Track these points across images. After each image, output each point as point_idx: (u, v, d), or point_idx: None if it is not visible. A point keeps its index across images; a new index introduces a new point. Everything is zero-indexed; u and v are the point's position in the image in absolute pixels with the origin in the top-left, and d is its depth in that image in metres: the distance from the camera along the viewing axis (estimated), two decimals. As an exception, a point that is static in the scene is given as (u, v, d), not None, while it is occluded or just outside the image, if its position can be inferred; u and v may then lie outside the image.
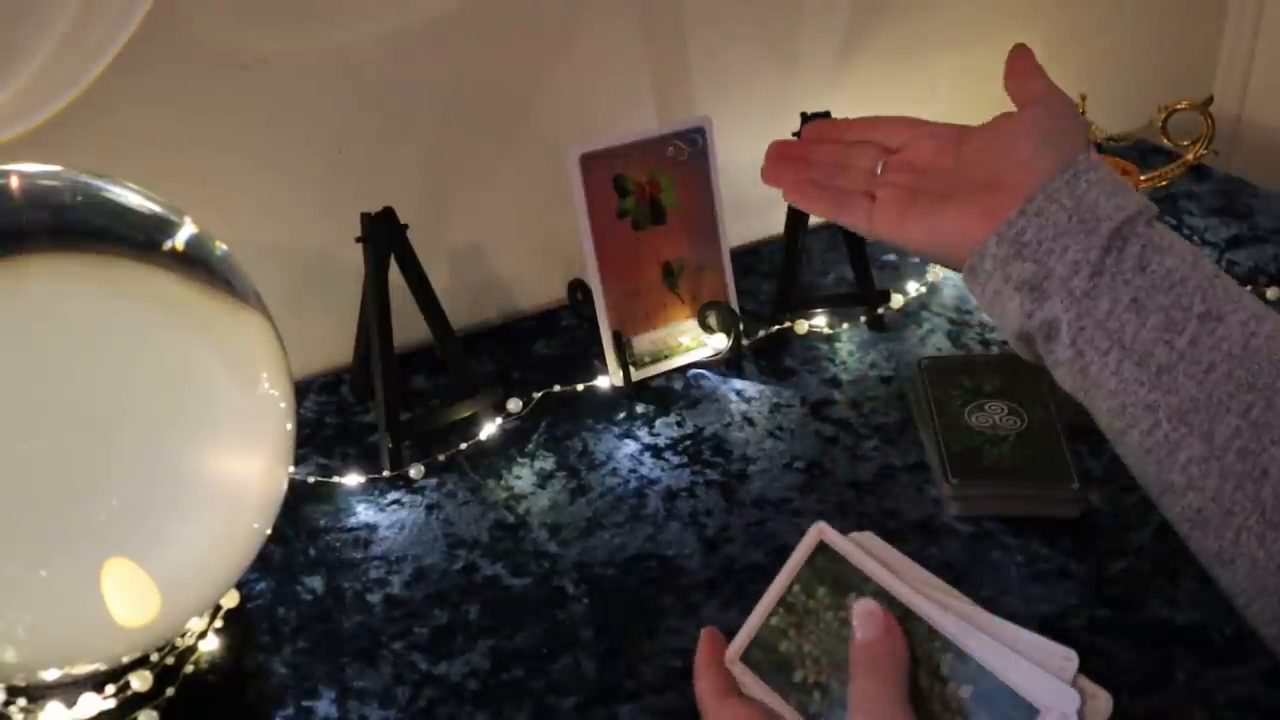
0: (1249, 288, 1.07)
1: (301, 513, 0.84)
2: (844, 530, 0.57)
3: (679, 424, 0.92)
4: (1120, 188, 0.57)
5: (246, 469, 0.64)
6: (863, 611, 0.53)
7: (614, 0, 1.01)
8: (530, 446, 0.90)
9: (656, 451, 0.89)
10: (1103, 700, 0.49)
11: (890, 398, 0.94)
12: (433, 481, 0.87)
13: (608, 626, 0.74)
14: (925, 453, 0.87)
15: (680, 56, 1.07)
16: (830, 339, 1.01)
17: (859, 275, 1.02)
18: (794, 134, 0.99)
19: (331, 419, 0.94)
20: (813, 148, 0.70)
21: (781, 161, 0.69)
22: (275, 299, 0.70)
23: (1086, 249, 0.55)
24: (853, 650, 0.52)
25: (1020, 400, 0.86)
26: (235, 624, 0.74)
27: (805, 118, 0.98)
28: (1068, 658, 0.50)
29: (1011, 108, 0.63)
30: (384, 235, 0.86)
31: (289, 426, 0.68)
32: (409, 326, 0.93)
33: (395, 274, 0.87)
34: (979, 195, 0.60)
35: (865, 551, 0.55)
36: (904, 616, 0.53)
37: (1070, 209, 0.56)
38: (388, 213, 0.86)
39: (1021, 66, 0.64)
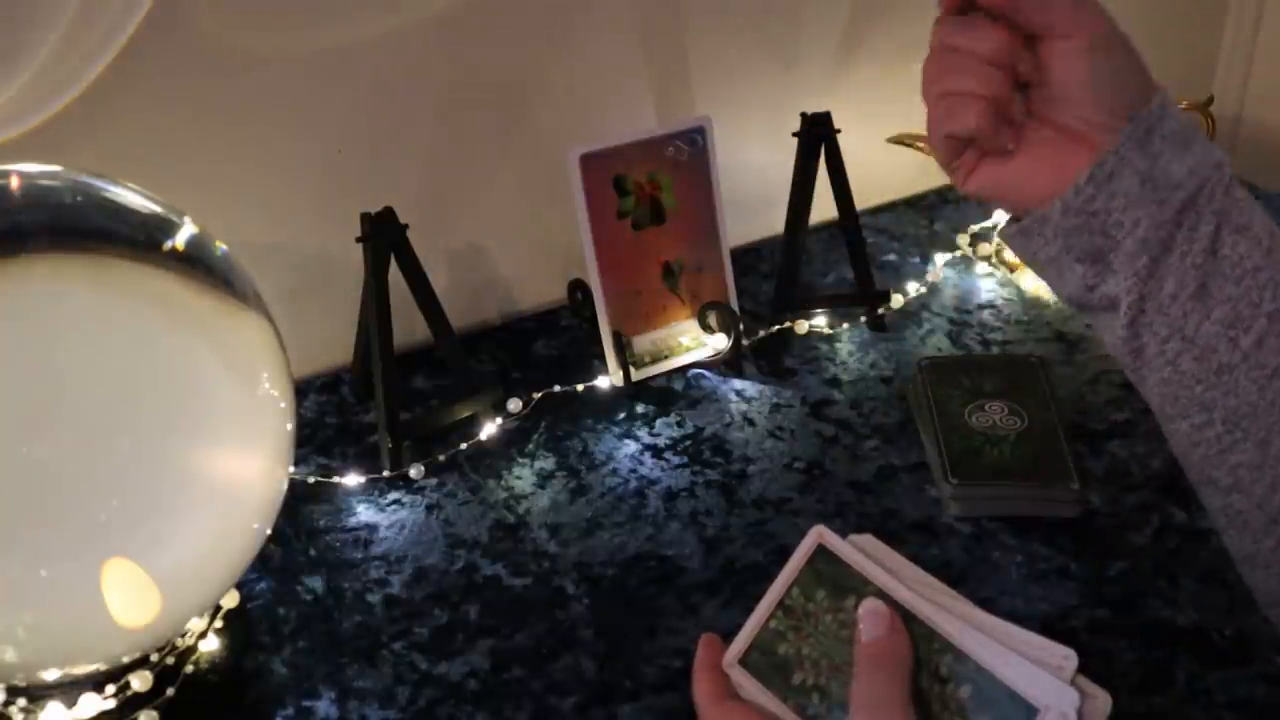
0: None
1: (301, 513, 0.84)
2: (843, 531, 0.57)
3: (679, 424, 0.92)
4: (1193, 140, 0.52)
5: (246, 469, 0.64)
6: (868, 611, 0.53)
7: (614, 1, 1.01)
8: (530, 446, 0.90)
9: (656, 451, 0.89)
10: (1101, 700, 0.49)
11: (890, 398, 0.94)
12: (433, 481, 0.87)
13: (608, 626, 0.74)
14: (925, 453, 0.87)
15: (680, 56, 1.07)
16: (830, 339, 1.01)
17: (859, 275, 1.02)
18: (794, 134, 1.00)
19: (331, 419, 0.94)
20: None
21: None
22: (275, 299, 0.70)
23: (1158, 223, 0.50)
24: (857, 650, 0.52)
25: (1020, 400, 0.86)
26: (235, 624, 0.74)
27: (805, 118, 0.98)
28: (1066, 657, 0.50)
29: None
30: (384, 235, 0.86)
31: (289, 426, 0.68)
32: (409, 326, 0.94)
33: (395, 274, 0.88)
34: (1044, 146, 0.55)
35: (864, 554, 0.55)
36: (903, 618, 0.53)
37: (1143, 172, 0.51)
38: (388, 213, 0.86)
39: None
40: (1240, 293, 0.50)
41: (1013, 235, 0.56)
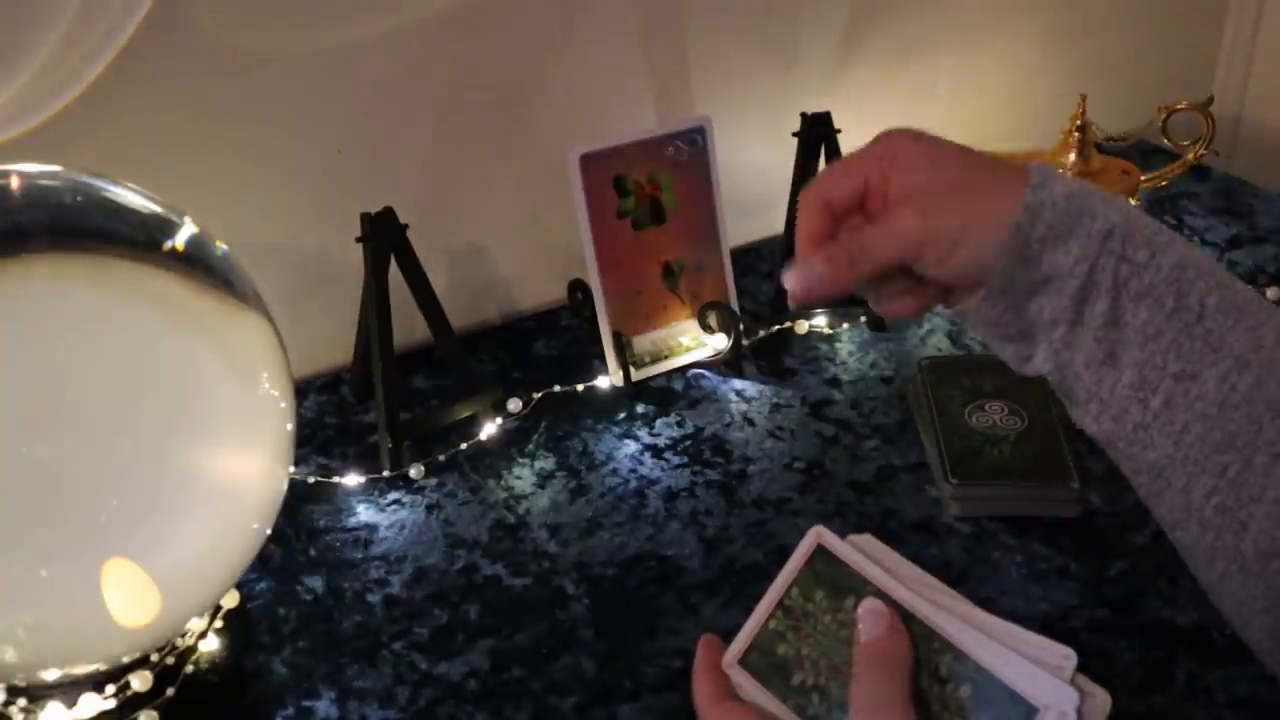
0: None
1: (301, 513, 0.84)
2: (843, 531, 0.57)
3: (679, 424, 0.92)
4: (1078, 219, 0.52)
5: (246, 469, 0.64)
6: (867, 611, 0.53)
7: (614, 1, 1.01)
8: (530, 446, 0.90)
9: (656, 451, 0.89)
10: (1101, 699, 0.49)
11: (890, 398, 0.94)
12: (433, 481, 0.87)
13: (608, 626, 0.74)
14: (925, 453, 0.87)
15: (680, 56, 1.07)
16: (830, 339, 1.01)
17: (859, 275, 1.01)
18: (794, 134, 1.00)
19: (331, 419, 0.94)
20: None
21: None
22: (275, 299, 0.70)
23: (1060, 306, 0.53)
24: (857, 650, 0.52)
25: (1020, 400, 0.86)
26: (235, 624, 0.74)
27: (805, 118, 0.98)
28: (1066, 656, 0.50)
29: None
30: (384, 235, 0.86)
31: (289, 426, 0.68)
32: (409, 326, 0.94)
33: (395, 274, 0.88)
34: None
35: (863, 554, 0.55)
36: (903, 618, 0.53)
37: (1033, 279, 0.53)
38: (388, 213, 0.86)
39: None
40: (1145, 357, 0.52)
41: (960, 319, 0.59)
